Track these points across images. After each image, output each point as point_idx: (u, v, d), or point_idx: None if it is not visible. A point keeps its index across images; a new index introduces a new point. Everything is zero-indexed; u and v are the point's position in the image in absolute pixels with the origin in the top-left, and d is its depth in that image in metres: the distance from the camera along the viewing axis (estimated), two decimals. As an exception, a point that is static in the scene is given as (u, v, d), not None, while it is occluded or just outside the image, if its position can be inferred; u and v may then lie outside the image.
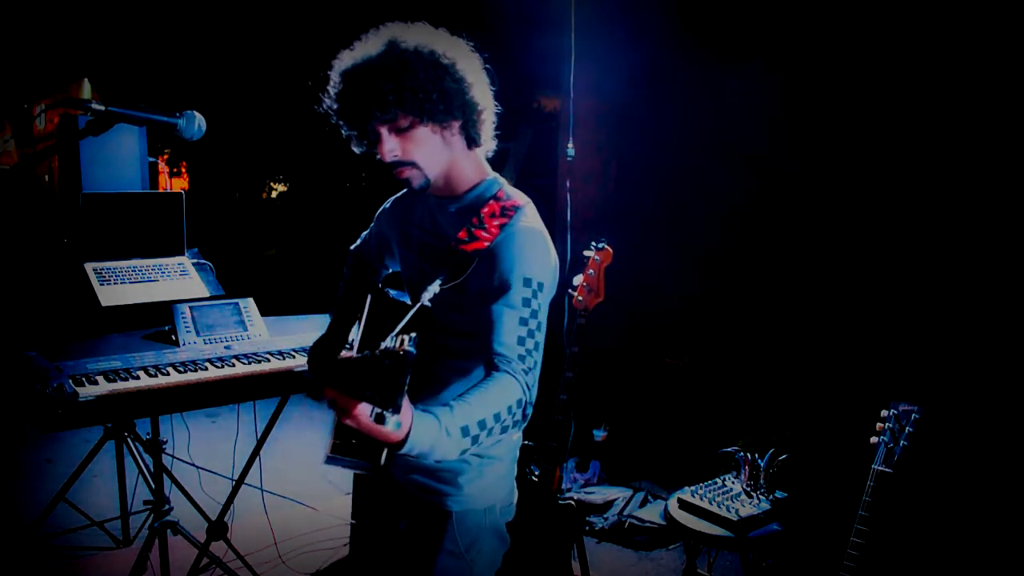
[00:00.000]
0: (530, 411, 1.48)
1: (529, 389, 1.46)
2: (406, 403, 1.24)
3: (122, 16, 5.70)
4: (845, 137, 3.27)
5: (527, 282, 1.50)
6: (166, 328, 2.71)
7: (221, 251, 3.44)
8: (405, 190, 1.79)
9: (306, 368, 2.33)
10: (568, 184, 3.73)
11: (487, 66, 1.59)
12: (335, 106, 1.53)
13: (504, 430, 1.41)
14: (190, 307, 2.70)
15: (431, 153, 1.53)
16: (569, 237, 3.65)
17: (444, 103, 1.48)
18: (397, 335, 1.25)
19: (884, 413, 2.08)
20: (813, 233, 3.42)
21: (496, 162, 1.70)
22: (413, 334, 1.20)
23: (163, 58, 6.10)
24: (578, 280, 2.60)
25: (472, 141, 1.57)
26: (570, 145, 3.72)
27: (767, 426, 3.36)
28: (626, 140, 4.19)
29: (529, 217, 1.58)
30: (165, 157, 6.96)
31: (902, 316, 3.07)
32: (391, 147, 1.50)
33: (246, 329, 2.75)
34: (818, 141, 3.37)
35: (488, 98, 1.58)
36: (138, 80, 5.93)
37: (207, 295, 2.90)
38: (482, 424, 1.37)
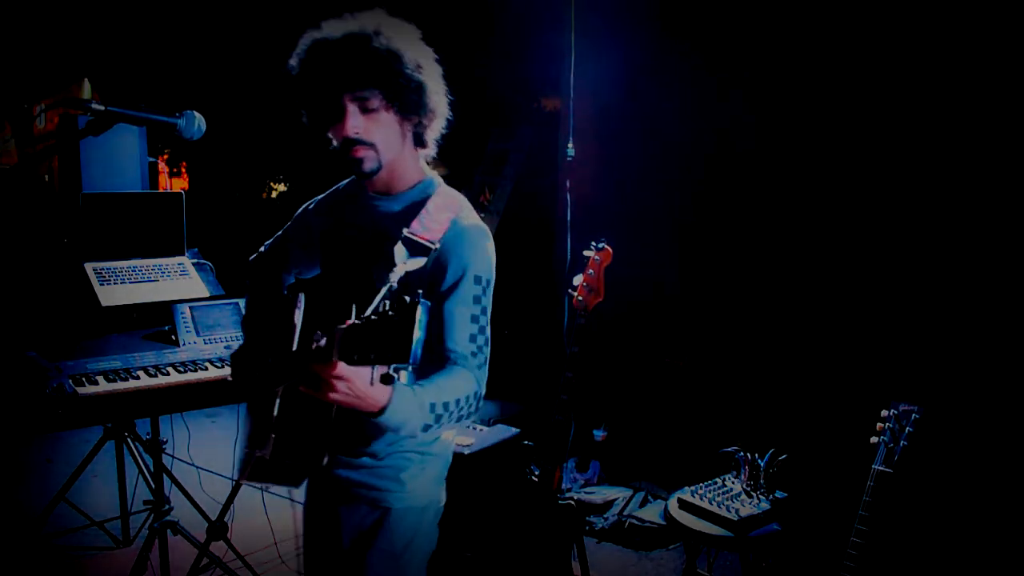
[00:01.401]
0: (482, 404, 1.56)
1: (481, 383, 1.56)
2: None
3: (122, 16, 5.70)
4: (846, 137, 3.27)
5: (478, 280, 1.56)
6: (166, 328, 2.71)
7: (221, 251, 3.43)
8: (331, 190, 1.82)
9: None
10: (568, 184, 3.73)
11: (445, 82, 1.63)
12: (303, 73, 1.54)
13: (459, 418, 1.51)
14: (190, 307, 2.71)
15: (390, 139, 1.55)
16: (569, 237, 3.65)
17: (416, 96, 1.53)
18: (387, 300, 1.25)
19: (884, 413, 2.08)
20: (814, 233, 3.42)
21: (496, 162, 1.71)
22: (420, 290, 1.20)
23: (163, 58, 6.09)
24: (578, 280, 2.60)
25: (421, 142, 1.62)
26: (570, 145, 3.72)
27: (767, 426, 3.36)
28: (626, 140, 4.19)
29: (472, 215, 1.64)
30: (165, 157, 6.97)
31: (903, 316, 3.07)
32: (355, 124, 1.51)
33: (246, 329, 2.75)
34: (819, 140, 3.37)
35: (444, 106, 1.62)
36: (138, 80, 5.92)
37: (207, 295, 2.90)
38: (446, 405, 1.46)
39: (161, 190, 5.62)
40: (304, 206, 1.86)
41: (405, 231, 1.54)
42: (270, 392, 1.57)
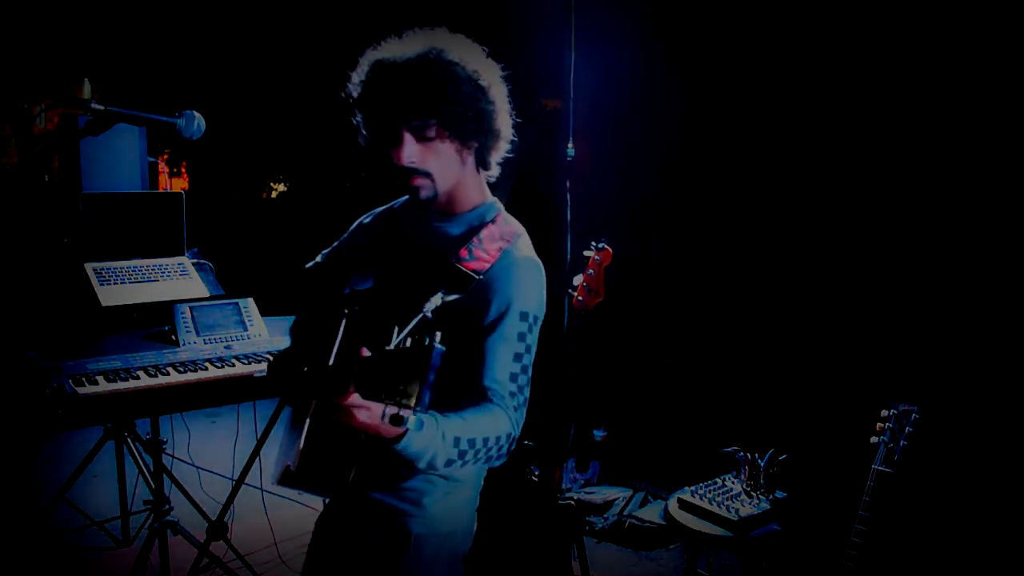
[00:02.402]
0: (514, 447, 1.48)
1: (517, 426, 1.47)
2: None
3: (122, 16, 5.70)
4: (851, 141, 3.27)
5: (523, 316, 1.49)
6: (166, 328, 2.71)
7: (221, 251, 3.44)
8: (387, 205, 1.78)
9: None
10: (568, 184, 3.73)
11: (510, 97, 1.57)
12: (363, 96, 1.50)
13: (487, 459, 1.43)
14: (190, 307, 2.71)
15: (447, 167, 1.51)
16: (569, 237, 3.65)
17: (475, 123, 1.48)
18: (409, 337, 1.23)
19: (884, 413, 2.08)
20: (815, 233, 3.42)
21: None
22: (438, 333, 1.17)
23: (163, 58, 6.09)
24: (578, 280, 2.60)
25: (484, 164, 1.57)
26: (570, 145, 3.72)
27: (767, 426, 3.36)
28: (627, 139, 4.19)
29: (527, 246, 1.58)
30: (165, 157, 6.96)
31: (903, 316, 3.07)
32: (410, 153, 1.47)
33: (246, 329, 2.75)
34: (820, 143, 3.37)
35: (508, 127, 1.57)
36: (138, 80, 5.92)
37: (207, 295, 2.90)
38: (472, 442, 1.38)
39: (161, 190, 5.62)
40: (360, 219, 1.82)
41: (452, 260, 1.50)
42: (304, 404, 1.55)
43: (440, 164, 1.50)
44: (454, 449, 1.36)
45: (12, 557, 3.22)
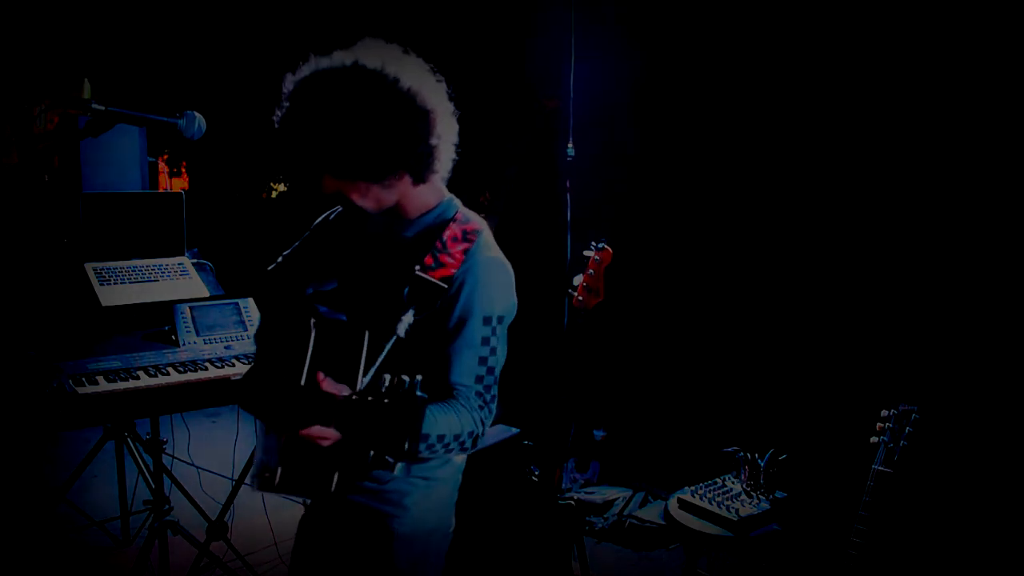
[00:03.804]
0: (480, 443, 1.50)
1: (482, 423, 1.49)
2: None
3: (122, 16, 5.70)
4: (852, 144, 3.27)
5: (487, 320, 1.48)
6: (166, 328, 2.71)
7: (221, 251, 3.43)
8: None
9: None
10: (568, 184, 3.73)
11: (449, 90, 1.50)
12: (281, 128, 1.45)
13: (451, 451, 1.47)
14: (190, 307, 2.71)
15: (375, 198, 1.48)
16: (569, 237, 3.65)
17: (397, 163, 1.43)
18: (387, 374, 1.21)
19: (884, 413, 2.08)
20: (815, 233, 3.42)
21: (496, 162, 1.69)
22: (418, 377, 1.16)
23: (163, 58, 6.09)
24: (578, 280, 2.60)
25: (422, 180, 1.50)
26: (570, 145, 3.72)
27: (767, 426, 3.36)
28: (628, 139, 4.19)
29: (489, 244, 1.55)
30: (165, 157, 6.95)
31: (903, 317, 3.07)
32: (334, 187, 1.46)
33: (246, 329, 2.75)
34: (822, 145, 3.37)
35: (449, 130, 1.50)
36: (138, 80, 5.92)
37: (207, 295, 2.90)
38: (440, 437, 1.42)
39: (161, 190, 5.62)
40: (323, 216, 1.79)
41: (417, 270, 1.47)
42: (280, 424, 1.54)
43: (367, 198, 1.47)
44: (421, 444, 1.39)
45: (12, 557, 3.22)
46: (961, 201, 2.90)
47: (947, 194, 2.94)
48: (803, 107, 3.40)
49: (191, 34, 6.03)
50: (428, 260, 1.49)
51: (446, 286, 1.47)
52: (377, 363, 1.33)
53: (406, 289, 1.46)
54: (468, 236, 1.53)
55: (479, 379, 1.49)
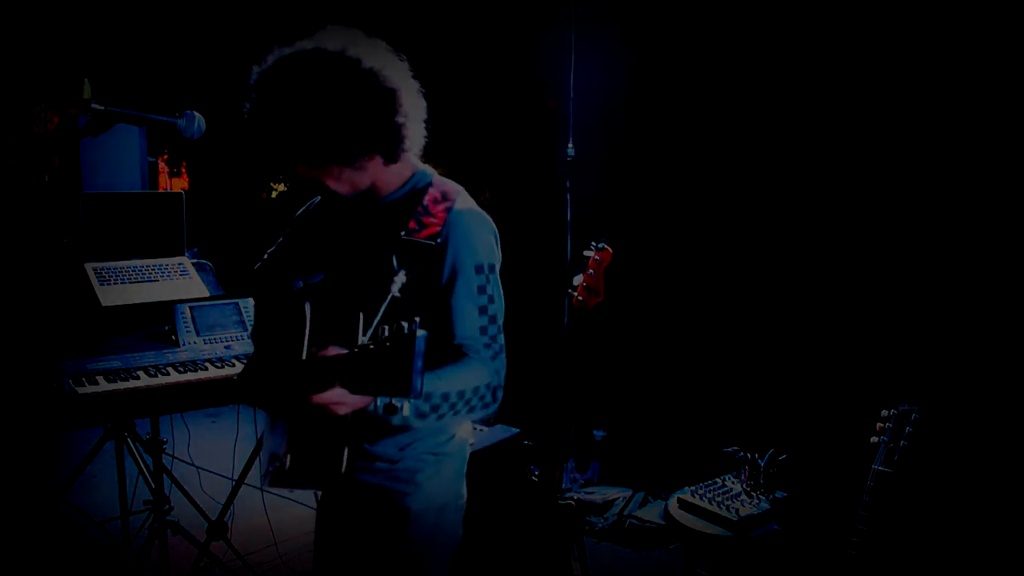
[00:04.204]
0: (500, 394, 1.51)
1: (498, 374, 1.50)
2: None
3: (122, 16, 5.70)
4: (853, 145, 3.27)
5: (479, 268, 1.51)
6: (166, 328, 2.71)
7: (221, 251, 3.43)
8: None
9: None
10: (568, 184, 3.73)
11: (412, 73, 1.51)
12: (250, 119, 1.46)
13: (470, 410, 1.47)
14: (190, 307, 2.71)
15: (349, 181, 1.50)
16: (569, 237, 3.65)
17: (366, 144, 1.45)
18: (386, 325, 1.22)
19: (884, 413, 2.08)
20: (817, 233, 3.42)
21: (496, 162, 1.69)
22: (416, 318, 1.18)
23: (163, 58, 6.09)
24: (578, 280, 2.60)
25: (393, 159, 1.51)
26: (570, 145, 3.72)
27: (767, 426, 3.36)
28: (629, 139, 4.19)
29: (468, 200, 1.58)
30: (165, 157, 6.96)
31: (903, 317, 3.07)
32: (305, 174, 1.48)
33: (246, 329, 2.75)
34: (822, 148, 3.37)
35: (417, 107, 1.51)
36: (138, 80, 5.92)
37: (207, 295, 2.90)
38: (460, 394, 1.43)
39: (161, 190, 5.62)
40: (305, 207, 1.82)
41: (402, 234, 1.50)
42: (283, 406, 1.56)
43: (339, 181, 1.49)
44: (426, 404, 1.39)
45: (13, 557, 3.22)
46: (961, 202, 2.90)
47: (947, 195, 2.94)
48: (802, 108, 3.40)
49: (191, 34, 6.03)
50: (412, 224, 1.51)
51: (432, 243, 1.48)
52: (375, 322, 1.33)
53: (394, 256, 1.47)
54: (447, 196, 1.55)
55: (483, 330, 1.50)
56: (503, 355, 1.53)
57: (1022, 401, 2.72)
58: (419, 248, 1.49)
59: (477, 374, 1.47)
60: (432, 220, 1.52)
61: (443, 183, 1.60)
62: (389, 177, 1.57)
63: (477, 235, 1.53)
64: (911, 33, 3.01)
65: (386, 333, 1.19)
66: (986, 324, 2.84)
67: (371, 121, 1.43)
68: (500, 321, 1.53)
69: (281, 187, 7.72)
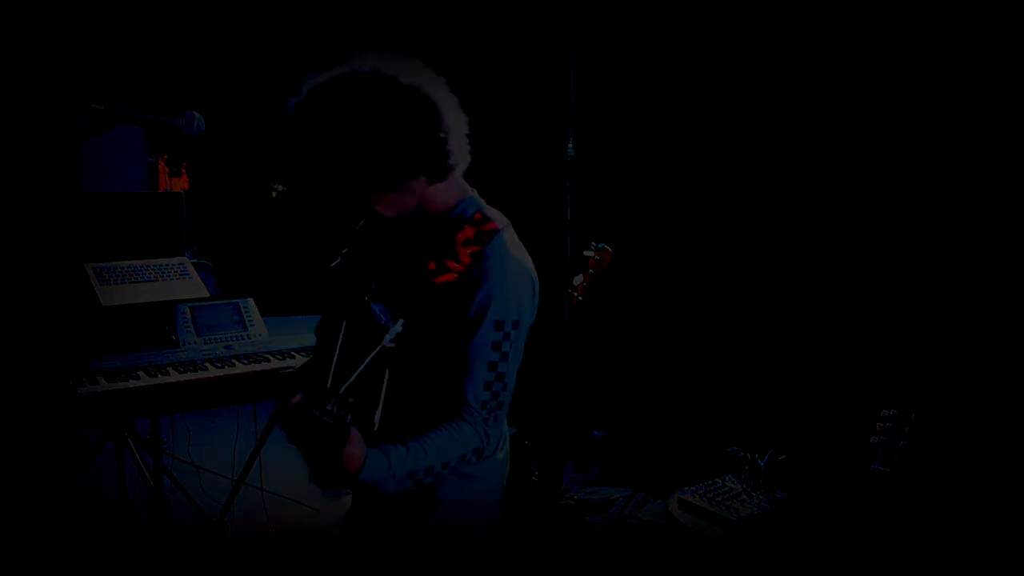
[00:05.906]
0: (488, 452, 1.47)
1: (488, 437, 1.44)
2: (357, 437, 1.24)
3: (122, 16, 5.70)
4: (854, 147, 3.27)
5: (499, 324, 1.42)
6: (166, 328, 2.71)
7: (221, 251, 3.44)
8: None
9: None
10: (568, 184, 3.73)
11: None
12: (294, 154, 1.42)
13: (453, 471, 1.44)
14: (190, 307, 2.71)
15: (396, 204, 1.45)
16: (569, 237, 3.65)
17: (410, 164, 1.39)
18: (351, 386, 1.19)
19: (884, 413, 2.08)
20: (816, 234, 3.42)
21: (496, 162, 1.68)
22: (381, 405, 1.16)
23: (163, 58, 6.09)
24: (578, 280, 2.60)
25: (440, 178, 1.45)
26: (570, 145, 3.72)
27: (767, 426, 3.36)
28: (629, 139, 4.19)
29: (507, 244, 1.49)
30: (165, 157, 6.96)
31: (903, 317, 3.08)
32: (351, 201, 1.44)
33: (246, 329, 2.75)
34: (823, 149, 3.37)
35: (458, 122, 1.45)
36: (138, 80, 5.93)
37: (207, 295, 2.90)
38: (428, 470, 1.38)
39: (161, 190, 5.62)
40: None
41: (419, 275, 1.44)
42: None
43: (389, 207, 1.44)
44: (407, 481, 1.36)
45: (12, 557, 3.22)
46: (961, 203, 2.90)
47: (947, 196, 2.94)
48: (802, 110, 3.40)
49: (191, 34, 6.03)
50: (432, 266, 1.45)
51: (443, 294, 1.42)
52: (353, 376, 1.27)
53: (406, 295, 1.44)
54: (482, 237, 1.47)
55: (488, 386, 1.42)
56: (502, 415, 1.47)
57: (1021, 402, 2.72)
58: (427, 295, 1.43)
59: (466, 441, 1.41)
60: (455, 265, 1.44)
61: (487, 217, 1.51)
62: (436, 197, 1.50)
63: (508, 286, 1.44)
64: (911, 33, 3.01)
65: (349, 402, 1.15)
66: (986, 325, 2.84)
67: (414, 138, 1.37)
68: (509, 379, 1.46)
69: (281, 187, 7.72)
